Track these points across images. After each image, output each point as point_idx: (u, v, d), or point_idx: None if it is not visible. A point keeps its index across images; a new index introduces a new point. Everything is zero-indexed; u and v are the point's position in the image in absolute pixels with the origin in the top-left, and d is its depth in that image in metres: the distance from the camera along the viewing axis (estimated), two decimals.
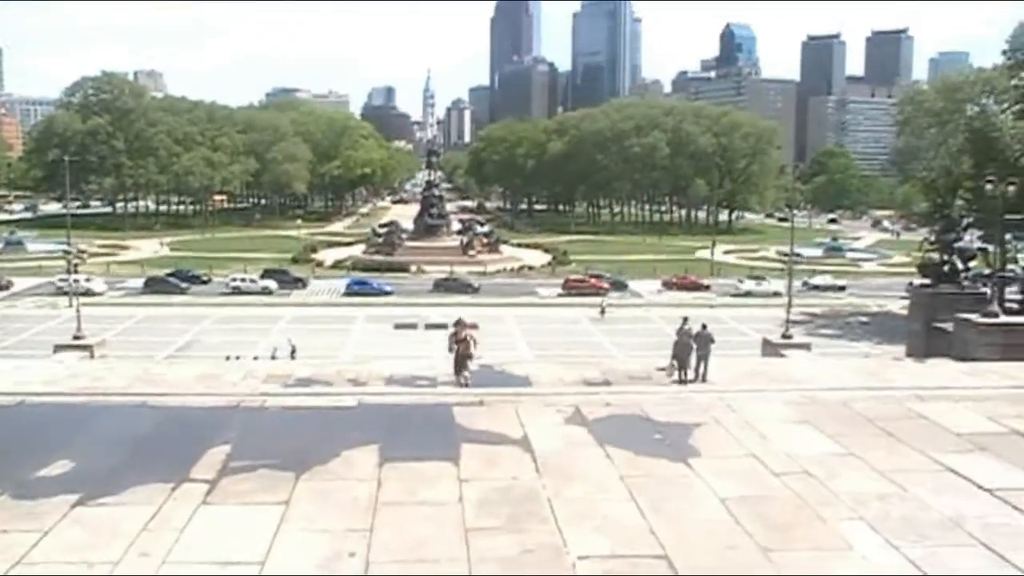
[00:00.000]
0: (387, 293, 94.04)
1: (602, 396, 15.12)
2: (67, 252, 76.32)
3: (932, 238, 45.93)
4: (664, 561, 8.89)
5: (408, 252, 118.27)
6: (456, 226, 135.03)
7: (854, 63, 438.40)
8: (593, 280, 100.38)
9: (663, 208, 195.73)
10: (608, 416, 14.01)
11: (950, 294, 42.08)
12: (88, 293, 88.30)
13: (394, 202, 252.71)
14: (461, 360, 20.77)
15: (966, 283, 43.66)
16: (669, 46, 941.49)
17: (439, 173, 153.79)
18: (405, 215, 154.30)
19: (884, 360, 29.65)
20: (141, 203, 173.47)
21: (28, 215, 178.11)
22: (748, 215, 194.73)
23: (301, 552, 8.95)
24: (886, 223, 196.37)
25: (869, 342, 68.26)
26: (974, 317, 37.97)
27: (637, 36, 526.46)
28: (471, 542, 9.24)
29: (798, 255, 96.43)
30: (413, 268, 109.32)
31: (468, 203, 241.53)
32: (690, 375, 25.11)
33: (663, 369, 26.61)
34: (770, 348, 42.24)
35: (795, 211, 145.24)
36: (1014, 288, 78.76)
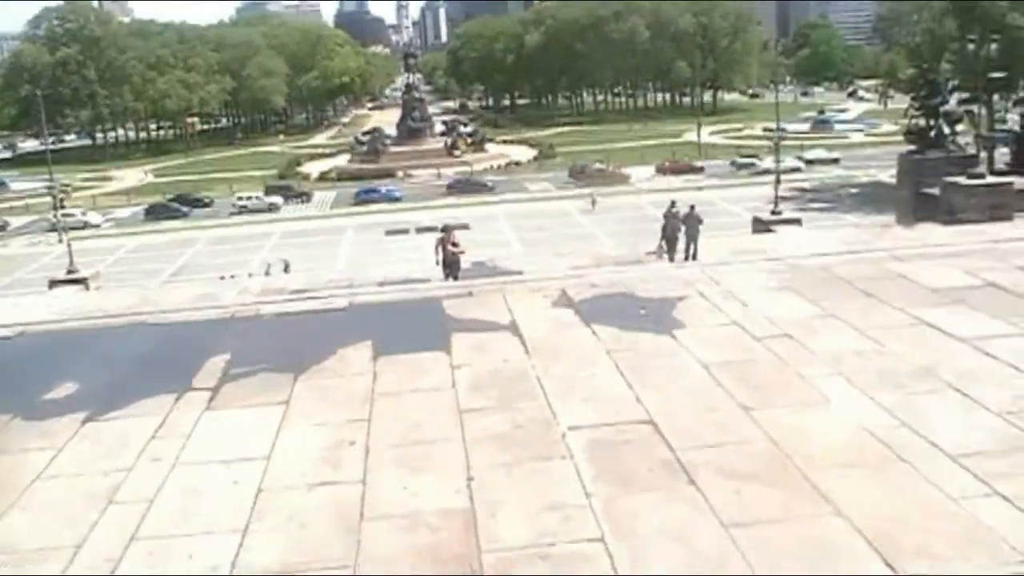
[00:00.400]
0: (397, 199, 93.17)
1: (588, 278, 15.45)
2: (51, 188, 75.98)
3: (917, 104, 45.99)
4: (649, 426, 9.31)
5: (393, 158, 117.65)
6: (439, 128, 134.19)
7: None
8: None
9: (647, 93, 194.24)
10: (594, 296, 14.37)
11: (937, 159, 42.29)
12: (85, 226, 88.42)
13: (375, 109, 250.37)
14: (451, 265, 20.75)
15: (953, 147, 43.87)
16: None
17: (418, 76, 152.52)
18: (387, 121, 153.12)
19: (872, 229, 29.87)
20: (120, 132, 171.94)
21: (7, 155, 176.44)
22: (733, 95, 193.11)
23: (303, 445, 9.37)
24: (861, 92, 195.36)
25: (860, 213, 68.54)
26: (961, 180, 38.27)
27: None
28: (465, 422, 9.66)
29: (784, 130, 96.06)
30: (400, 173, 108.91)
31: (450, 104, 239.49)
32: (679, 257, 25.48)
33: (652, 253, 26.95)
34: (760, 225, 42.50)
35: (780, 86, 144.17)
36: (1004, 150, 78.86)
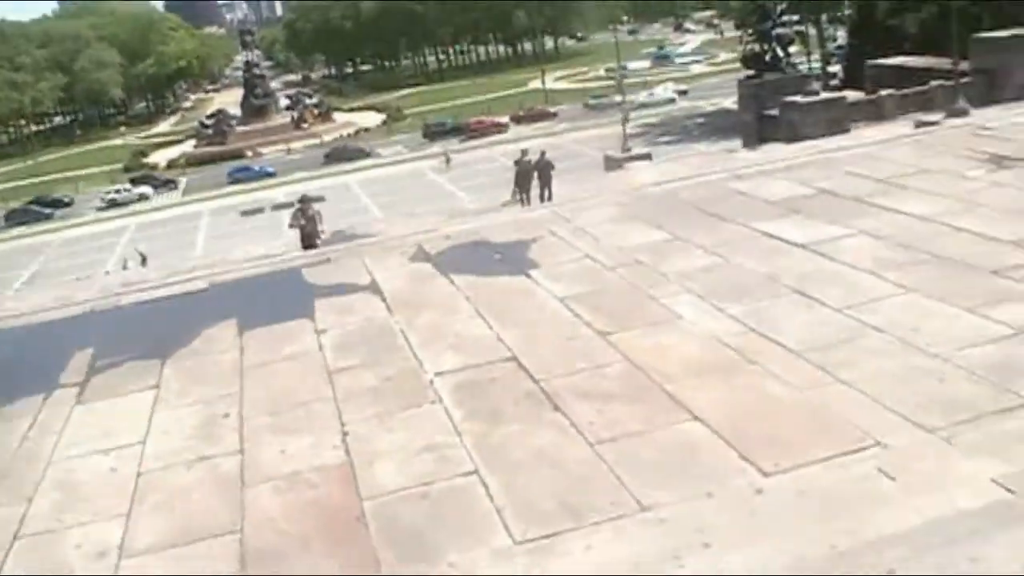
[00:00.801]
0: (270, 175, 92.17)
1: (442, 231, 15.71)
2: None
3: (750, 30, 47.08)
4: (513, 362, 9.66)
5: (241, 138, 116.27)
6: (284, 103, 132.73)
7: None
8: (489, 120, 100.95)
9: (488, 47, 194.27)
10: (449, 248, 14.64)
11: (775, 81, 43.66)
12: None
13: (216, 91, 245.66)
14: (309, 238, 20.57)
15: (788, 69, 45.25)
16: None
17: (257, 52, 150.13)
18: (231, 102, 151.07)
19: (719, 155, 30.74)
20: None
21: None
22: (576, 41, 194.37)
23: (178, 424, 9.46)
24: (689, 25, 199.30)
25: (708, 141, 70.27)
26: (798, 99, 39.65)
27: None
28: (335, 381, 9.87)
29: (625, 68, 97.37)
30: (249, 153, 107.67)
31: (293, 77, 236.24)
32: (535, 203, 25.92)
33: (508, 203, 27.40)
34: (612, 163, 43.47)
35: (618, 27, 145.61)
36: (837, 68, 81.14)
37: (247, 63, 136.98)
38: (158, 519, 7.64)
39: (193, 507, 7.75)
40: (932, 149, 17.01)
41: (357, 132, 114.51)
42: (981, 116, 20.06)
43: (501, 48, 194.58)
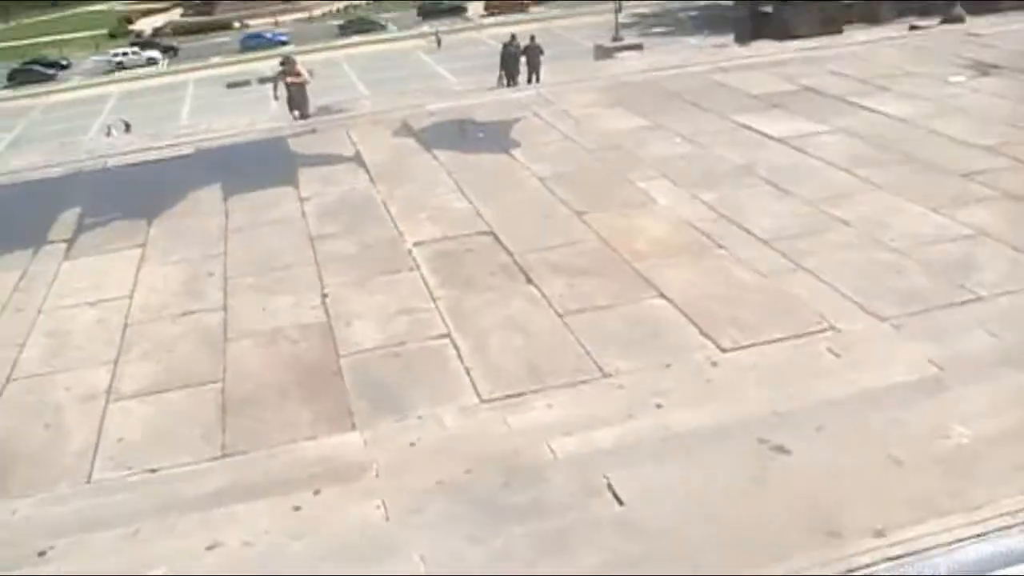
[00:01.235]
0: (284, 43, 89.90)
1: (427, 108, 15.90)
2: None
3: None
4: (489, 236, 9.98)
5: (228, 8, 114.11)
6: None
7: None
8: None
9: None
10: (434, 124, 14.88)
11: None
12: None
13: None
14: (295, 102, 19.15)
15: None
16: None
17: None
18: None
19: (710, 49, 30.62)
20: None
21: None
22: None
23: (164, 281, 9.79)
24: None
25: (700, 35, 69.36)
26: None
27: None
28: (317, 247, 10.20)
29: None
30: (236, 24, 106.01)
31: None
32: (521, 87, 25.90)
33: (493, 88, 27.35)
34: (602, 52, 43.14)
35: None
36: None
37: None
38: (144, 367, 7.99)
39: (177, 357, 8.10)
40: (919, 52, 17.21)
41: (347, 7, 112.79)
42: (975, 24, 20.12)
43: None
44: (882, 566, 4.80)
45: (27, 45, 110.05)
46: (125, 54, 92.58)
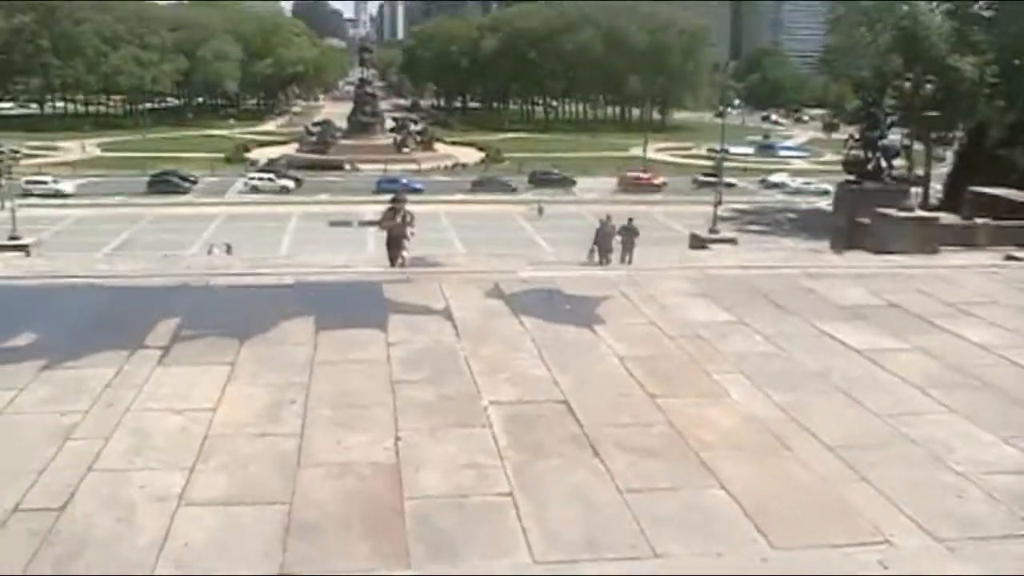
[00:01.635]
0: (417, 191, 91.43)
1: (520, 275, 16.43)
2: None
3: (857, 136, 47.11)
4: (564, 405, 10.27)
5: (342, 150, 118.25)
6: (390, 124, 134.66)
7: None
8: (647, 177, 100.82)
9: (597, 106, 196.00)
10: (524, 291, 15.35)
11: (873, 190, 43.66)
12: (57, 195, 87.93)
13: (327, 100, 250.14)
14: (395, 240, 19.62)
15: (889, 180, 45.15)
16: None
17: (372, 71, 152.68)
18: (338, 113, 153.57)
19: (804, 253, 31.11)
20: (69, 104, 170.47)
21: None
22: (684, 113, 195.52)
23: (247, 401, 10.21)
24: (774, 116, 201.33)
25: (797, 238, 70.02)
26: (891, 211, 39.69)
27: None
28: (397, 391, 10.55)
29: (727, 151, 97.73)
30: (347, 166, 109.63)
31: (402, 101, 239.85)
32: (613, 265, 26.53)
33: (584, 263, 28.01)
34: (697, 242, 43.75)
35: (728, 109, 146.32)
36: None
37: (361, 79, 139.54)
38: (218, 478, 8.35)
39: (250, 475, 8.45)
40: (1009, 283, 17.41)
41: (454, 166, 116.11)
42: None
43: (610, 109, 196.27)
44: None
45: (151, 158, 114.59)
46: (262, 179, 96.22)
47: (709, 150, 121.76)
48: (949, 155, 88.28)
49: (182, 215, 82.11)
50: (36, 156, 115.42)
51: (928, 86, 60.70)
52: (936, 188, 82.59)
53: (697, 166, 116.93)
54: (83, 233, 69.66)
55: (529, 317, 13.67)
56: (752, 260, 19.63)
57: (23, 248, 31.23)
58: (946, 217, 42.80)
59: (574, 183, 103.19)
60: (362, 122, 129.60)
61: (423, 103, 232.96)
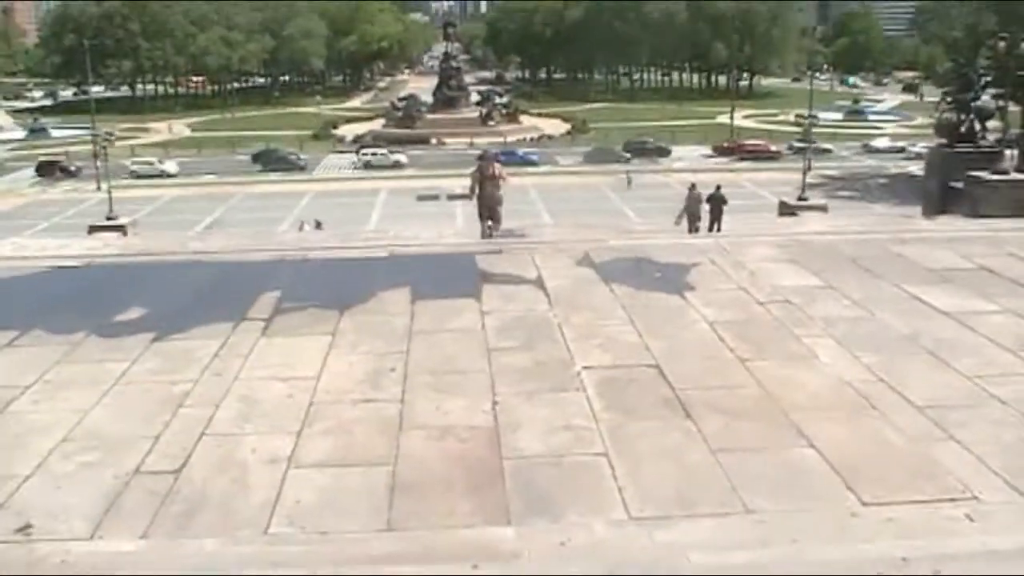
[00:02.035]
0: (533, 163, 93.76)
1: (610, 243, 16.67)
2: (96, 136, 77.47)
3: (949, 98, 46.21)
4: (655, 369, 10.52)
5: (428, 125, 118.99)
6: (475, 97, 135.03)
7: None
8: (752, 144, 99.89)
9: (683, 74, 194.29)
10: (614, 259, 15.59)
11: (966, 153, 42.86)
12: (163, 175, 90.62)
13: (412, 75, 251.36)
14: (488, 203, 18.96)
15: (983, 142, 44.26)
16: None
17: (456, 44, 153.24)
18: (423, 88, 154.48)
19: (895, 218, 30.82)
20: (159, 86, 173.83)
21: (48, 102, 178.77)
22: (771, 79, 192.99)
23: (349, 369, 10.63)
24: (852, 80, 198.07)
25: (887, 203, 69.06)
26: (984, 174, 38.99)
27: None
28: (492, 358, 10.89)
29: (816, 118, 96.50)
30: (433, 140, 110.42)
31: (486, 74, 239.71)
32: (702, 233, 26.59)
33: (674, 231, 28.08)
34: (786, 209, 43.41)
35: (817, 74, 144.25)
36: None
37: (446, 54, 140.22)
38: (324, 442, 8.77)
39: (355, 438, 8.85)
40: None
41: (540, 138, 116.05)
42: None
43: (695, 77, 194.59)
44: None
45: (238, 136, 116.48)
46: (375, 154, 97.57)
47: (797, 115, 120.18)
48: None
49: (273, 192, 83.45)
50: (128, 138, 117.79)
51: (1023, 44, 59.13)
52: None
53: (785, 132, 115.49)
54: (176, 212, 71.39)
55: (619, 285, 13.92)
56: (841, 226, 19.57)
57: (120, 228, 32.09)
58: None
59: (669, 152, 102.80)
60: (447, 96, 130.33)
61: (507, 75, 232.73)
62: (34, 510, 7.57)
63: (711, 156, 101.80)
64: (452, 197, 68.19)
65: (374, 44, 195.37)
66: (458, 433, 8.90)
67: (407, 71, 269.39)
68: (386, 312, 12.77)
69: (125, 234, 29.78)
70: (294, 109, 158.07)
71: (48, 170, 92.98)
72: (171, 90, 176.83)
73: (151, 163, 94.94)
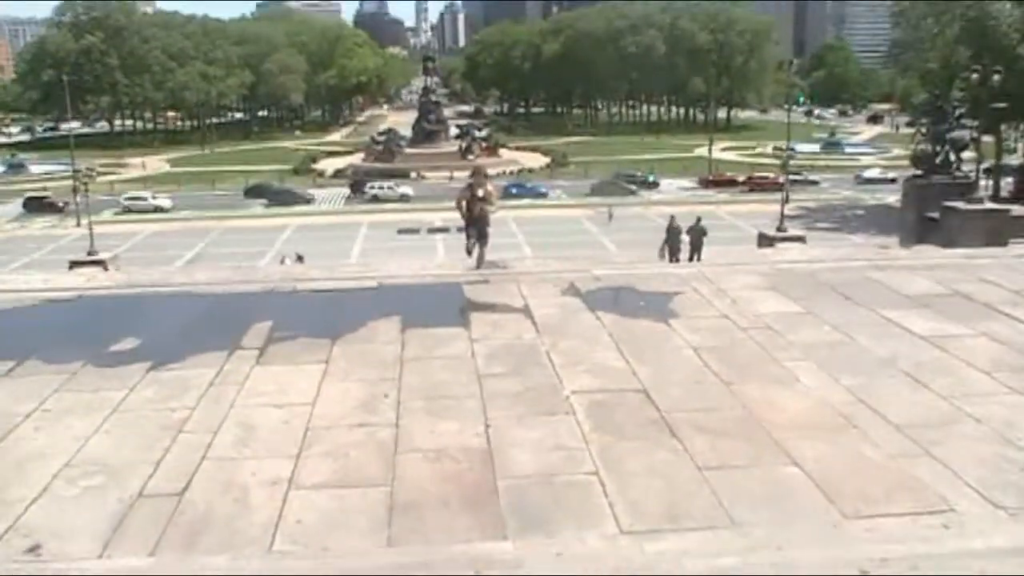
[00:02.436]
0: (543, 195, 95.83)
1: (594, 273, 17.01)
2: (76, 172, 77.53)
3: (924, 130, 46.75)
4: (642, 393, 10.82)
5: (408, 159, 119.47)
6: (454, 131, 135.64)
7: None
8: (772, 178, 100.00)
9: (661, 108, 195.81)
10: (599, 288, 15.94)
11: (941, 184, 43.39)
12: (157, 210, 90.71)
13: (391, 109, 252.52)
14: (477, 222, 17.91)
15: (958, 174, 44.81)
16: None
17: (435, 79, 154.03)
18: (402, 122, 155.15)
19: (872, 248, 31.22)
20: (138, 122, 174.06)
21: (26, 137, 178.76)
22: (748, 113, 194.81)
23: (343, 395, 10.89)
24: (824, 113, 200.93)
25: (865, 234, 69.85)
26: (959, 204, 39.53)
27: None
28: (483, 384, 11.17)
29: (793, 150, 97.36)
30: (413, 174, 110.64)
31: (465, 108, 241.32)
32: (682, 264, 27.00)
33: (655, 262, 28.49)
34: (765, 241, 43.91)
35: (803, 108, 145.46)
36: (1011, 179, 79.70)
37: (425, 88, 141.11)
38: (322, 464, 9.03)
39: (352, 461, 9.12)
40: None
41: (520, 171, 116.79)
42: None
43: (673, 110, 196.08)
44: None
45: (219, 172, 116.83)
46: (381, 187, 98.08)
47: (775, 148, 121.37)
48: (1021, 147, 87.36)
49: (252, 227, 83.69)
50: (106, 174, 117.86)
51: (996, 77, 60.00)
52: (1008, 180, 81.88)
53: (762, 165, 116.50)
54: (156, 247, 71.36)
55: (605, 312, 14.24)
56: (820, 255, 19.97)
57: (100, 263, 32.27)
58: (1017, 209, 42.57)
59: (658, 184, 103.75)
60: (427, 130, 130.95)
61: (486, 109, 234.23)
62: (42, 531, 7.80)
63: (695, 189, 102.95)
64: (433, 230, 68.62)
65: (353, 79, 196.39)
66: (453, 455, 9.17)
67: (386, 105, 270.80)
68: (377, 340, 13.04)
69: (106, 269, 29.90)
70: (273, 144, 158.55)
71: (35, 205, 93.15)
72: (149, 125, 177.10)
73: (144, 198, 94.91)
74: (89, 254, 39.94)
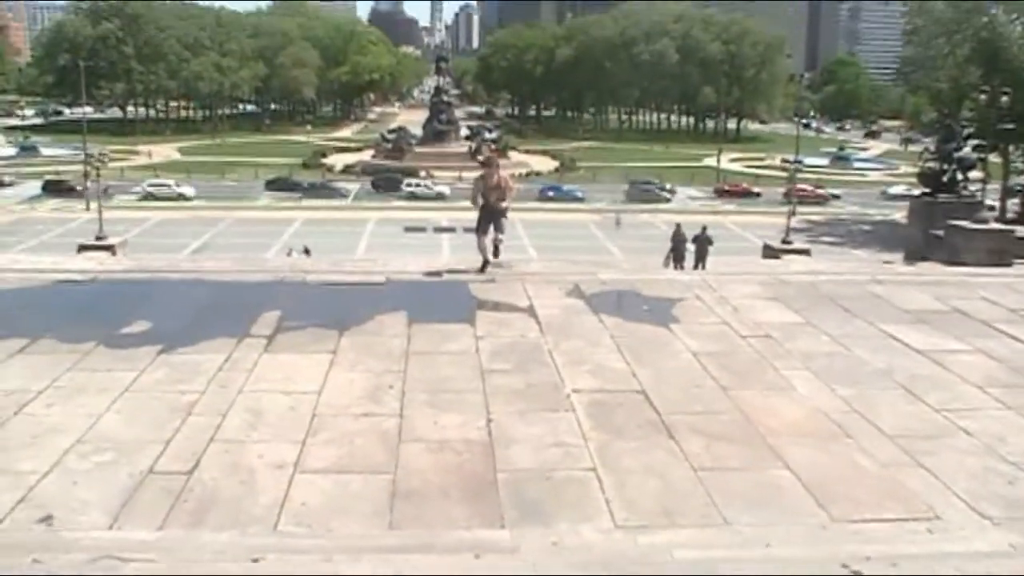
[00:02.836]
0: (579, 199, 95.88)
1: (599, 276, 17.26)
2: (89, 157, 77.79)
3: (932, 148, 46.87)
4: (641, 395, 11.06)
5: (417, 157, 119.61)
6: (464, 132, 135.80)
7: None
8: (813, 190, 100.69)
9: (671, 116, 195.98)
10: (603, 291, 16.18)
11: (947, 202, 43.56)
12: (180, 197, 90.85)
13: (402, 107, 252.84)
14: (491, 213, 17.36)
15: (964, 192, 44.98)
16: None
17: (447, 79, 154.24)
18: (413, 121, 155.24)
19: (876, 264, 31.41)
20: (151, 110, 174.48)
21: (39, 120, 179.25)
22: (758, 124, 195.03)
23: (349, 385, 11.13)
24: (824, 128, 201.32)
25: (870, 249, 69.89)
26: (964, 223, 39.63)
27: None
28: (486, 379, 11.41)
29: (801, 163, 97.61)
30: (422, 173, 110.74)
31: (477, 109, 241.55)
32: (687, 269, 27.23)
33: (661, 269, 28.73)
34: (770, 252, 44.03)
35: (803, 120, 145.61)
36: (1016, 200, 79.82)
37: (437, 88, 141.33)
38: (327, 450, 9.27)
39: (356, 448, 9.36)
40: None
41: (528, 174, 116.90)
42: None
43: (683, 119, 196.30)
44: None
45: (228, 162, 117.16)
46: (418, 185, 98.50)
47: (783, 161, 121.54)
48: None
49: (260, 219, 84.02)
50: (117, 159, 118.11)
51: (1005, 98, 60.24)
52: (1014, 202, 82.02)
53: (770, 177, 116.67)
54: (164, 235, 71.74)
55: (608, 315, 14.48)
56: (822, 268, 20.20)
57: (108, 248, 32.36)
58: (1021, 230, 42.68)
59: (674, 193, 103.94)
60: (437, 130, 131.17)
61: (497, 111, 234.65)
62: (54, 503, 8.05)
63: (710, 198, 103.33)
64: (439, 230, 68.88)
65: (366, 75, 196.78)
66: (454, 446, 9.41)
67: (398, 103, 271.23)
68: (384, 334, 13.28)
69: (114, 254, 30.01)
70: (284, 137, 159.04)
71: (54, 188, 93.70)
72: (161, 114, 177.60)
73: (168, 185, 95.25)
74: (98, 238, 40.02)
